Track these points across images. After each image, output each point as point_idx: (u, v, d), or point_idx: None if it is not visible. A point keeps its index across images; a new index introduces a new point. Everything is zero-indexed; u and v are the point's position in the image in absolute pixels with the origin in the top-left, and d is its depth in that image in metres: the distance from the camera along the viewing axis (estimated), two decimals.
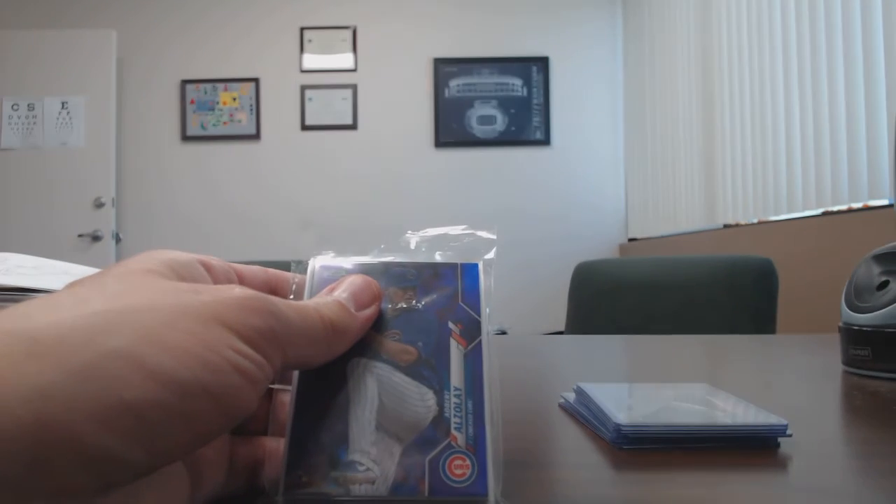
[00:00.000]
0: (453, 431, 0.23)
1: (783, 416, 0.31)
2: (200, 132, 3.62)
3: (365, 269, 0.27)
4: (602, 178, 3.67)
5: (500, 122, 3.62)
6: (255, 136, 3.62)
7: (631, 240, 3.58)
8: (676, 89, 2.96)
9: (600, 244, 3.61)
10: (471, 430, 0.23)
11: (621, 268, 1.51)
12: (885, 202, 1.65)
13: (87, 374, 0.15)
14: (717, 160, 2.55)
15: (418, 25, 3.66)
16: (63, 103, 3.41)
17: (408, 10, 3.66)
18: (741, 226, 2.40)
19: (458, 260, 0.28)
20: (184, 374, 0.17)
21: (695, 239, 2.74)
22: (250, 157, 3.62)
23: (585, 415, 0.35)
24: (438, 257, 0.29)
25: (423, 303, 0.27)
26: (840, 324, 0.54)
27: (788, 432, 0.30)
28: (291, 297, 0.27)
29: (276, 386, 0.25)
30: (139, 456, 0.16)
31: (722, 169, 2.51)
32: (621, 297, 1.42)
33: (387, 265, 0.28)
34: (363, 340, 0.25)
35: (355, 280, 0.26)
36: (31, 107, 3.42)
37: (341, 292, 0.25)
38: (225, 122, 3.62)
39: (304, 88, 3.62)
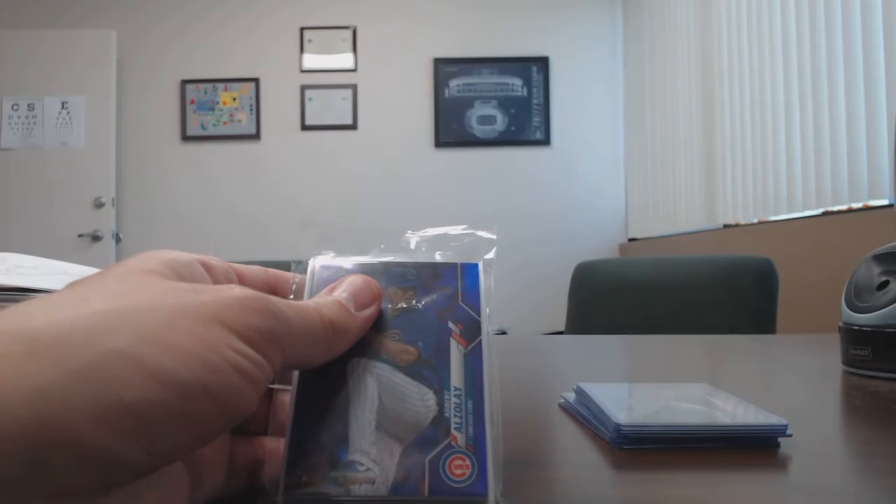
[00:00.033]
0: (453, 431, 0.23)
1: (783, 416, 0.31)
2: (200, 132, 3.62)
3: (365, 269, 0.27)
4: (602, 178, 3.67)
5: (500, 122, 3.62)
6: (255, 136, 3.62)
7: (631, 240, 3.58)
8: (676, 89, 2.96)
9: (600, 244, 3.61)
10: (471, 430, 0.23)
11: (621, 268, 1.51)
12: (885, 202, 1.65)
13: (86, 374, 0.15)
14: (717, 160, 2.55)
15: (418, 25, 3.66)
16: (63, 103, 3.42)
17: (408, 10, 3.66)
18: (741, 226, 2.40)
19: (458, 260, 0.28)
20: (184, 374, 0.17)
21: (695, 239, 2.74)
22: (250, 157, 3.62)
23: (585, 415, 0.35)
24: (438, 257, 0.29)
25: (423, 303, 0.27)
26: (840, 324, 0.54)
27: (788, 432, 0.30)
28: (291, 297, 0.27)
29: (276, 386, 0.25)
30: (139, 456, 0.16)
31: (722, 169, 2.51)
32: (621, 297, 1.42)
33: (387, 265, 0.28)
34: (363, 340, 0.25)
35: (355, 280, 0.26)
36: (31, 107, 3.42)
37: (341, 292, 0.25)
38: (225, 122, 3.62)
39: (304, 88, 3.62)
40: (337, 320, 0.23)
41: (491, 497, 0.22)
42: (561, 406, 0.40)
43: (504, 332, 2.90)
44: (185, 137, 3.62)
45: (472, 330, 0.26)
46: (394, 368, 0.25)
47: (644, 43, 3.35)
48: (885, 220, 1.57)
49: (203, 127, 3.61)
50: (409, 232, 0.30)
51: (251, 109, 3.61)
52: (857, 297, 0.52)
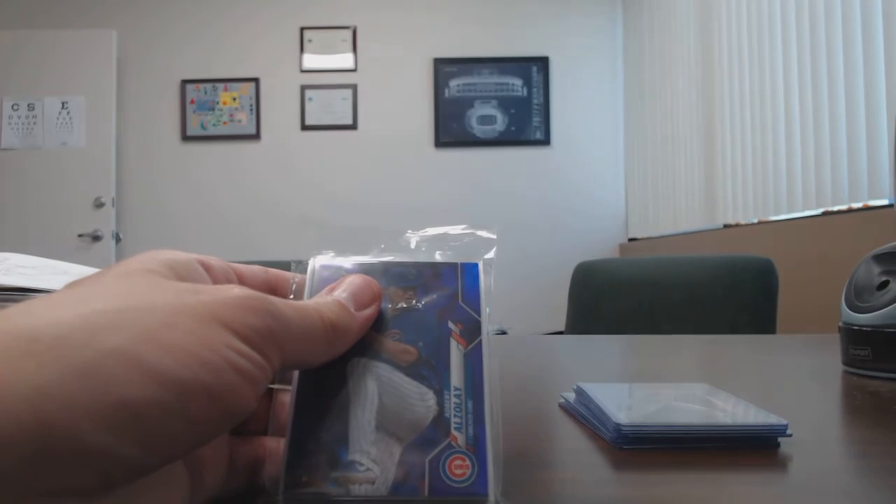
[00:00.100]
0: (453, 431, 0.23)
1: (783, 416, 0.31)
2: (200, 132, 3.62)
3: (365, 269, 0.27)
4: (602, 178, 3.67)
5: (500, 122, 3.63)
6: (255, 136, 3.62)
7: (631, 240, 3.58)
8: (676, 89, 2.96)
9: (600, 244, 3.61)
10: (471, 430, 0.23)
11: (621, 268, 1.51)
12: (885, 202, 1.65)
13: (86, 373, 0.15)
14: (717, 160, 2.55)
15: (418, 25, 3.66)
16: (63, 103, 3.42)
17: (408, 11, 3.66)
18: (741, 226, 2.40)
19: (458, 259, 0.28)
20: (183, 373, 0.17)
21: (695, 239, 2.75)
22: (250, 156, 3.62)
23: (585, 415, 0.35)
24: (438, 257, 0.29)
25: (423, 302, 0.27)
26: (840, 324, 0.54)
27: (788, 432, 0.30)
28: (291, 296, 0.27)
29: (276, 386, 0.25)
30: (138, 455, 0.16)
31: (722, 169, 2.51)
32: (621, 297, 1.42)
33: (387, 265, 0.28)
34: (363, 340, 0.25)
35: (355, 280, 0.26)
36: (31, 107, 3.42)
37: (341, 292, 0.25)
38: (225, 122, 3.62)
39: (304, 88, 3.62)
40: (337, 320, 0.23)
41: (491, 497, 0.22)
42: (561, 406, 0.40)
43: (504, 332, 2.90)
44: (185, 137, 3.62)
45: (472, 330, 0.26)
46: (394, 368, 0.25)
47: (644, 43, 3.35)
48: (885, 220, 1.57)
49: (203, 127, 3.61)
50: (409, 232, 0.30)
51: (251, 109, 3.62)
52: (857, 297, 0.52)
